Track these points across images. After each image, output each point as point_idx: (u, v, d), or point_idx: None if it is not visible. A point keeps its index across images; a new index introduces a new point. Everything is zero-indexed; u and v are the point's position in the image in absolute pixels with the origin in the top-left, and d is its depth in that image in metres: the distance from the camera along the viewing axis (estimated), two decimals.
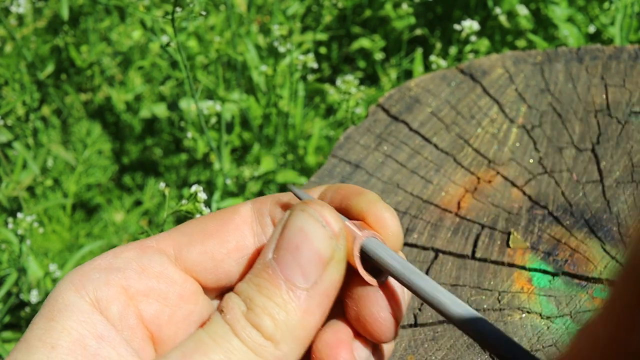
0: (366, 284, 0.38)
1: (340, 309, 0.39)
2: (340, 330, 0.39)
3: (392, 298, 0.38)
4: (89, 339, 0.36)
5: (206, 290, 0.41)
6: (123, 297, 0.38)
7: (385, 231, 0.39)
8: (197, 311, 0.40)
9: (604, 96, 0.86)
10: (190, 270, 0.40)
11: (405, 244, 0.74)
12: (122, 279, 0.38)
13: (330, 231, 0.36)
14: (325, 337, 0.38)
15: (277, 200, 0.42)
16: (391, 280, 0.39)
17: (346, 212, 0.40)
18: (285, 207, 0.42)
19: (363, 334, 0.39)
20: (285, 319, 0.35)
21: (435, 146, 0.83)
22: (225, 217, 0.41)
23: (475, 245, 0.73)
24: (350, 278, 0.39)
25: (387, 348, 0.41)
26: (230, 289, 0.39)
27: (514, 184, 0.78)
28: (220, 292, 0.42)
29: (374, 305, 0.38)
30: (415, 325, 0.67)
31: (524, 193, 0.77)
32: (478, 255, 0.72)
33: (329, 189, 0.41)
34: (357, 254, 0.38)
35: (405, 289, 0.39)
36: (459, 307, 0.35)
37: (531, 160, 0.80)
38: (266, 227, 0.41)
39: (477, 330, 0.35)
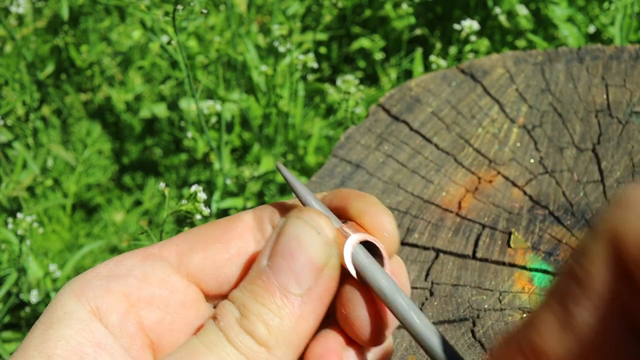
0: (355, 285, 0.38)
1: (333, 319, 0.39)
2: (330, 340, 0.38)
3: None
4: (86, 347, 0.36)
5: (208, 297, 0.41)
6: (124, 304, 0.38)
7: (381, 233, 0.38)
8: (199, 319, 0.40)
9: (605, 96, 0.86)
10: (192, 276, 0.40)
11: (406, 244, 0.74)
12: (123, 286, 0.38)
13: (325, 238, 0.36)
14: (315, 348, 0.38)
15: (278, 207, 0.42)
16: None
17: (344, 214, 0.39)
18: (284, 214, 0.41)
19: (352, 337, 0.38)
20: (279, 325, 0.35)
21: (436, 146, 0.83)
22: (228, 224, 0.41)
23: (476, 245, 0.73)
24: (342, 281, 0.38)
25: (382, 353, 0.40)
26: None
27: (514, 184, 0.78)
28: (222, 299, 0.41)
29: (362, 307, 0.37)
30: None
31: (525, 193, 0.77)
32: (479, 255, 0.72)
33: (330, 193, 0.41)
34: (347, 255, 0.37)
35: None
36: (433, 334, 0.35)
37: (532, 160, 0.80)
38: (266, 234, 0.41)
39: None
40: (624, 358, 0.24)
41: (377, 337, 0.38)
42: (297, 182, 0.40)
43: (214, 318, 0.36)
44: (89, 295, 0.37)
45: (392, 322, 0.38)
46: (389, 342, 0.40)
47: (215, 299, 0.41)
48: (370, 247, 0.38)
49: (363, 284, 0.38)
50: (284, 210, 0.41)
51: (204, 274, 0.40)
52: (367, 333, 0.37)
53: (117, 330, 0.37)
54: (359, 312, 0.37)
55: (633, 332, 0.24)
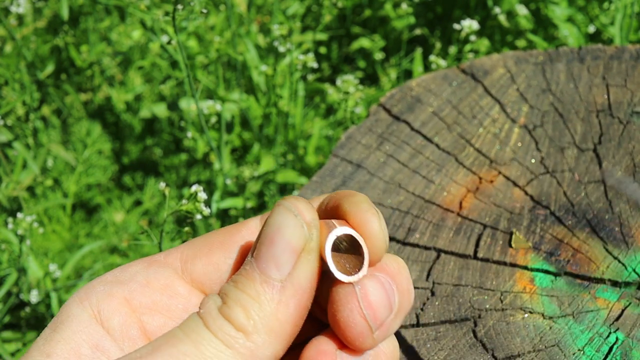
0: (340, 282, 0.37)
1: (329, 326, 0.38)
2: (322, 342, 0.37)
3: (366, 299, 0.36)
4: (84, 348, 0.37)
5: None
6: (125, 309, 0.38)
7: (366, 231, 0.37)
8: None
9: (606, 96, 0.86)
10: (197, 282, 0.40)
11: (407, 244, 0.74)
12: (125, 291, 0.39)
13: (302, 220, 0.36)
14: (307, 351, 0.37)
15: None
16: (375, 280, 0.37)
17: (334, 213, 0.39)
18: None
19: (342, 340, 0.37)
20: (258, 310, 0.35)
21: (437, 146, 0.83)
22: (233, 230, 0.41)
23: (477, 245, 0.73)
24: (331, 279, 0.37)
25: (386, 352, 0.39)
26: None
27: (515, 184, 0.78)
28: None
29: (344, 307, 0.36)
30: (418, 325, 0.67)
31: (526, 193, 0.77)
32: (480, 255, 0.72)
33: (328, 195, 0.41)
34: (328, 246, 0.37)
35: (395, 291, 0.37)
36: None
37: (533, 160, 0.80)
38: None
39: None
40: None
41: (361, 340, 0.36)
42: None
43: (199, 309, 0.37)
44: (92, 300, 0.38)
45: (384, 326, 0.37)
46: (387, 347, 0.38)
47: None
48: (357, 246, 0.37)
49: (339, 278, 0.37)
50: None
51: (208, 279, 0.40)
52: (350, 336, 0.36)
53: (118, 333, 0.38)
54: (342, 313, 0.36)
55: None
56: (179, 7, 0.93)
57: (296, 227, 0.36)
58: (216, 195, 1.44)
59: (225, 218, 1.56)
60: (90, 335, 0.37)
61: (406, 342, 0.66)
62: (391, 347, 0.39)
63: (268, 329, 0.35)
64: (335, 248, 0.38)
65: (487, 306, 0.67)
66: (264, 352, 0.35)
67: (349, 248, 0.38)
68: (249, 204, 1.47)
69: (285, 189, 1.55)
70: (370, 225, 0.37)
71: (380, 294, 0.37)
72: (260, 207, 1.54)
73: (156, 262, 0.41)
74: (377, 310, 0.36)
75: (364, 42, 1.77)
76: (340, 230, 0.37)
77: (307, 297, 0.37)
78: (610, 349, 0.63)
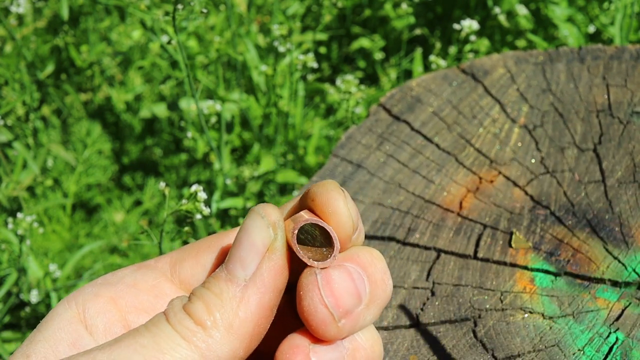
0: (305, 271, 0.37)
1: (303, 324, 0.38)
2: (296, 338, 0.37)
3: (328, 287, 0.36)
4: (62, 346, 0.38)
5: None
6: (111, 308, 0.39)
7: (330, 209, 0.37)
8: None
9: (606, 96, 0.86)
10: (184, 283, 0.41)
11: (407, 244, 0.74)
12: (112, 292, 0.40)
13: (267, 221, 0.37)
14: (281, 347, 0.37)
15: None
16: (341, 269, 0.37)
17: (305, 202, 0.39)
18: None
19: (309, 330, 0.37)
20: (219, 306, 0.36)
21: (437, 146, 0.83)
22: (222, 234, 0.42)
23: (477, 245, 0.73)
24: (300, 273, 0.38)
25: (365, 347, 0.38)
26: None
27: (516, 184, 0.78)
28: None
29: (306, 294, 0.36)
30: (418, 325, 0.67)
31: (526, 193, 0.77)
32: (480, 255, 0.72)
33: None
34: (294, 235, 0.37)
35: (366, 281, 0.37)
36: None
37: (533, 160, 0.80)
38: None
39: None
40: None
41: (323, 329, 0.36)
42: None
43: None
44: (78, 299, 0.39)
45: (352, 316, 0.37)
46: (366, 342, 0.38)
47: None
48: (328, 234, 0.38)
49: (305, 261, 0.37)
50: None
51: (195, 280, 0.41)
52: (312, 324, 0.36)
53: (101, 331, 0.39)
54: (305, 301, 0.36)
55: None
56: (179, 7, 0.93)
57: (261, 229, 0.37)
58: (216, 195, 1.44)
59: (225, 218, 1.56)
60: (69, 333, 0.38)
61: (406, 342, 0.66)
62: (371, 342, 0.38)
63: (227, 325, 0.35)
64: (311, 243, 0.38)
65: (487, 306, 0.67)
66: (222, 348, 0.35)
67: (325, 241, 0.38)
68: (249, 204, 1.47)
69: (285, 189, 1.55)
70: (335, 202, 0.37)
71: (344, 283, 0.37)
72: None
73: (145, 266, 0.42)
74: (340, 298, 0.36)
75: (364, 42, 1.77)
76: (307, 219, 0.38)
77: (270, 296, 0.37)
78: (610, 349, 0.63)
